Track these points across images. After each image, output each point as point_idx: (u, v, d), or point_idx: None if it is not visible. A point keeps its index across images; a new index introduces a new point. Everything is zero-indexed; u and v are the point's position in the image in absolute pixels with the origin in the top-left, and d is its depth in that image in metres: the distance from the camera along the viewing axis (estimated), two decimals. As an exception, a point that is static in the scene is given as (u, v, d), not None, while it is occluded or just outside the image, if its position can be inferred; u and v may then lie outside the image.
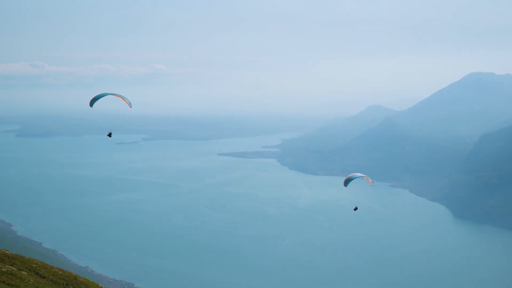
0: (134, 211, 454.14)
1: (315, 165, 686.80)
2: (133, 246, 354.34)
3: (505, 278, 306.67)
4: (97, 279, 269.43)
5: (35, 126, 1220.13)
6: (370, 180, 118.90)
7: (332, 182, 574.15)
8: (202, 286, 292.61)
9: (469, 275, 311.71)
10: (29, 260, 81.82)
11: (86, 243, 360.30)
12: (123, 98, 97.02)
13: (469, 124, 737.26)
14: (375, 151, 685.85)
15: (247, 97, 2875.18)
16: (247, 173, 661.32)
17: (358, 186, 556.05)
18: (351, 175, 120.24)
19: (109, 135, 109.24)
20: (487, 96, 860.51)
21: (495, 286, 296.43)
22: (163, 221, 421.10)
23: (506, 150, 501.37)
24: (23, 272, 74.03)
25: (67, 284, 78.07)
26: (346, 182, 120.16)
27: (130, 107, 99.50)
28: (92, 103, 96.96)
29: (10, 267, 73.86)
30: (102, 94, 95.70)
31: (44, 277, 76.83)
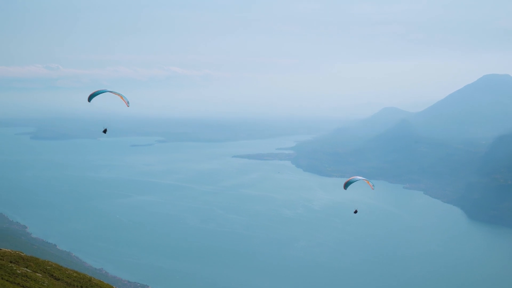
0: (149, 213, 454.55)
1: (329, 167, 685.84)
2: (148, 248, 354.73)
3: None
4: (111, 281, 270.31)
5: (50, 129, 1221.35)
6: (370, 183, 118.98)
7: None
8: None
9: (484, 276, 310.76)
10: (43, 262, 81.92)
11: (101, 245, 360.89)
12: (121, 96, 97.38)
13: (484, 126, 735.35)
14: (390, 153, 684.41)
15: (262, 99, 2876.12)
16: (262, 175, 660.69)
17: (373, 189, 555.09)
18: (351, 178, 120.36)
19: (104, 131, 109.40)
20: (502, 98, 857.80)
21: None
22: (178, 223, 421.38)
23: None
24: (37, 274, 74.17)
25: (81, 286, 78.18)
26: (346, 185, 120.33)
27: (128, 106, 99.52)
28: (90, 98, 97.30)
29: (25, 269, 74.03)
30: (101, 91, 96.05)
31: (58, 279, 76.96)
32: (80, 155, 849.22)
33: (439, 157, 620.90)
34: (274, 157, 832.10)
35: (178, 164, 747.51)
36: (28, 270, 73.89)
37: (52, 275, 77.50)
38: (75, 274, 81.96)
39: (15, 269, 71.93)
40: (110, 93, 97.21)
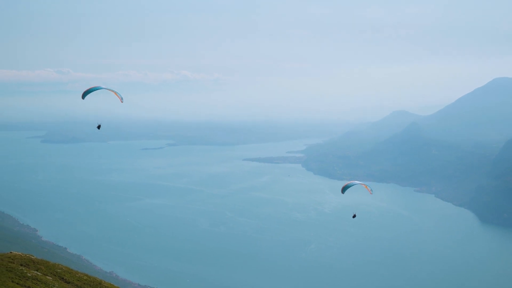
0: (159, 217, 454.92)
1: (340, 170, 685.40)
2: (158, 251, 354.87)
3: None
4: (121, 284, 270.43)
5: (61, 132, 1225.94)
6: (369, 188, 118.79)
7: (357, 188, 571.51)
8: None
9: (495, 279, 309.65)
10: (54, 265, 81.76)
11: (111, 248, 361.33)
12: (115, 92, 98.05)
13: (495, 128, 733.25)
14: (400, 156, 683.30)
15: (272, 102, 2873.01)
16: (272, 178, 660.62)
17: (384, 192, 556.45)
18: (348, 182, 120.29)
19: (98, 127, 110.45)
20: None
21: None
22: (188, 226, 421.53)
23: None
24: (48, 277, 74.05)
25: (91, 289, 78.00)
26: (344, 189, 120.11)
27: (122, 102, 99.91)
28: (84, 95, 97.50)
29: (35, 272, 73.93)
30: (95, 87, 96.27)
31: (69, 282, 76.84)
32: (91, 158, 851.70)
33: (449, 160, 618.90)
34: (284, 160, 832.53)
35: (188, 167, 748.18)
36: (38, 273, 73.78)
37: (63, 278, 77.35)
38: (85, 277, 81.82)
39: (26, 272, 71.86)
40: (104, 89, 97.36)
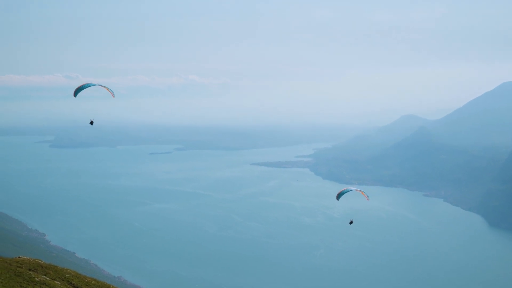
0: (167, 221, 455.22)
1: (348, 175, 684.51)
2: (166, 256, 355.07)
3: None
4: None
5: (69, 137, 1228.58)
6: (365, 194, 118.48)
7: (366, 192, 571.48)
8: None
9: (504, 284, 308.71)
10: (62, 269, 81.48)
11: (120, 252, 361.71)
12: (107, 88, 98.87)
13: (504, 133, 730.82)
14: (409, 161, 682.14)
15: (280, 107, 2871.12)
16: (280, 182, 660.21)
17: (392, 196, 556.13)
18: (344, 188, 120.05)
19: (91, 123, 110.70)
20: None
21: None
22: (197, 231, 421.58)
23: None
24: (56, 282, 73.76)
25: (100, 294, 77.76)
26: (339, 195, 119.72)
27: (113, 97, 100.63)
28: (76, 93, 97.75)
29: (44, 276, 73.63)
30: (87, 84, 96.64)
31: (77, 287, 76.54)
32: (99, 163, 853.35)
33: (458, 164, 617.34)
34: (293, 164, 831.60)
35: (196, 172, 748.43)
36: (46, 278, 73.49)
37: (71, 282, 77.06)
38: (93, 282, 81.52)
39: (34, 277, 71.57)
40: (96, 85, 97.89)
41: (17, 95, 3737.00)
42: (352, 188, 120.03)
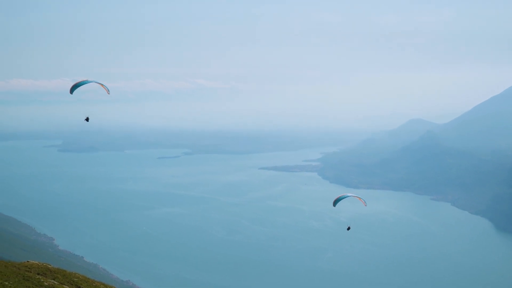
0: (175, 225, 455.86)
1: (356, 179, 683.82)
2: (174, 260, 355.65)
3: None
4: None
5: (77, 141, 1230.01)
6: (362, 200, 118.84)
7: (373, 196, 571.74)
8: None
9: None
10: (70, 274, 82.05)
11: (128, 257, 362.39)
12: (101, 85, 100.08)
13: (511, 136, 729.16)
14: (416, 164, 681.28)
15: (288, 111, 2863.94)
16: (288, 187, 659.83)
17: (400, 200, 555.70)
18: (340, 195, 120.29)
19: (87, 119, 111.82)
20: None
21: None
22: (205, 235, 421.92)
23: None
24: (64, 286, 74.29)
25: (108, 298, 78.27)
26: (335, 202, 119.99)
27: (108, 93, 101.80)
28: (72, 90, 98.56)
29: (52, 281, 74.19)
30: (83, 81, 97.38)
31: (85, 291, 77.06)
32: (107, 167, 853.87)
33: (466, 168, 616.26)
34: (301, 168, 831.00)
35: (204, 176, 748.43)
36: (55, 282, 74.06)
37: (80, 287, 77.64)
38: (102, 286, 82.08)
39: (43, 281, 72.15)
40: (92, 82, 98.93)
41: (25, 99, 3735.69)
42: (349, 194, 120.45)
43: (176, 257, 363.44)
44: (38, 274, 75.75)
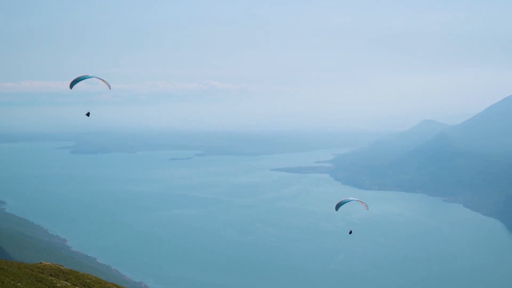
0: (187, 227, 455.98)
1: (368, 180, 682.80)
2: (187, 262, 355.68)
3: None
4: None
5: (90, 143, 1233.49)
6: (364, 204, 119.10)
7: (385, 197, 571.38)
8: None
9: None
10: (83, 275, 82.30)
11: (140, 258, 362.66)
12: (103, 80, 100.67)
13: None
14: (428, 166, 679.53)
15: (299, 112, 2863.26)
16: (300, 188, 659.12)
17: (412, 202, 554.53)
18: (343, 199, 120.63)
19: (87, 114, 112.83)
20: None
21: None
22: (217, 237, 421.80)
23: None
24: None
25: (121, 299, 78.51)
26: (337, 206, 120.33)
27: (110, 88, 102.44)
28: (72, 85, 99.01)
29: (65, 282, 74.44)
30: (84, 76, 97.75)
31: (98, 293, 77.31)
32: (120, 168, 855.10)
33: (478, 169, 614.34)
34: (312, 170, 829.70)
35: (216, 178, 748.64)
36: (68, 283, 74.34)
37: (92, 288, 77.87)
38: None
39: (55, 283, 72.41)
40: (92, 78, 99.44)
41: (37, 101, 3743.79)
42: (351, 198, 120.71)
43: (187, 258, 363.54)
44: (50, 275, 76.04)
